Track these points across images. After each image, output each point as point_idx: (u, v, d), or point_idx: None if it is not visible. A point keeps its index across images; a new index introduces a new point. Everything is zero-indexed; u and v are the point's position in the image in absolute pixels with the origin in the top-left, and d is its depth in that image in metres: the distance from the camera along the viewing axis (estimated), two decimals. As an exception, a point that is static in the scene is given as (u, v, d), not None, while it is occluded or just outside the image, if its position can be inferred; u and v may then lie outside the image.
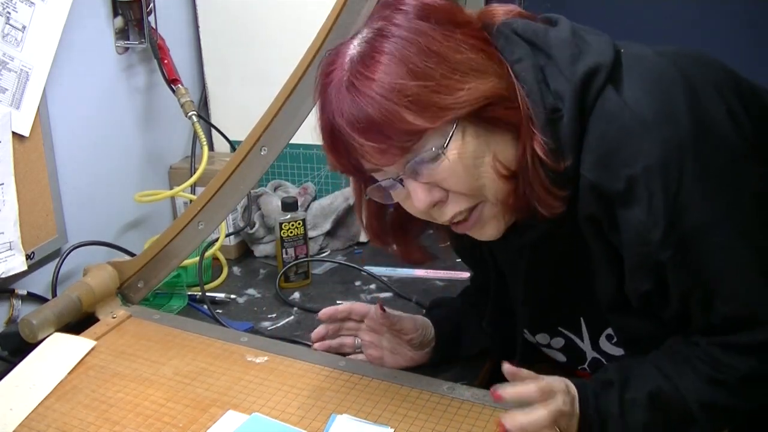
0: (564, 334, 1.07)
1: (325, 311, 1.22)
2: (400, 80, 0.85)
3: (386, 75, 0.86)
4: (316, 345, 1.22)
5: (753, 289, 0.88)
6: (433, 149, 0.87)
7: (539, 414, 0.88)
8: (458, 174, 0.89)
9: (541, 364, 1.13)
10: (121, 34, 1.66)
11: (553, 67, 0.90)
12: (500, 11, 0.95)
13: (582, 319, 1.04)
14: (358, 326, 1.22)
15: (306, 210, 1.76)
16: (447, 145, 0.87)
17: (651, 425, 0.92)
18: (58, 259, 1.47)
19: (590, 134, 0.88)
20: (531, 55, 0.91)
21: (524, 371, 0.93)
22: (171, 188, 1.79)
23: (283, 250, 1.62)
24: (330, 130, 0.92)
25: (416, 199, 0.91)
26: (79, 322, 1.35)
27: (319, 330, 1.23)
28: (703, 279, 0.88)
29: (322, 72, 0.93)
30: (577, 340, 1.06)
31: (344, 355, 1.23)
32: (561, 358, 1.11)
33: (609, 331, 1.02)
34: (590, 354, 1.06)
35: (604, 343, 1.04)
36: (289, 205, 1.62)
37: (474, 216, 0.93)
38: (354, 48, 0.90)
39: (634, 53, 0.91)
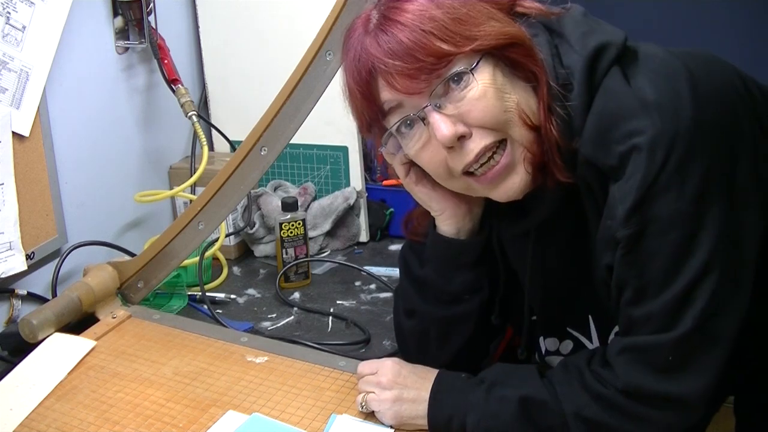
0: (573, 336, 1.07)
1: None
2: (429, 10, 0.90)
3: (416, 6, 0.90)
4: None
5: (677, 304, 0.86)
6: (461, 68, 0.89)
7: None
8: (485, 103, 0.90)
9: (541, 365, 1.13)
10: (121, 34, 1.66)
11: (565, 44, 0.93)
12: None
13: (590, 317, 1.04)
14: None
15: (306, 210, 1.76)
16: (474, 67, 0.89)
17: (518, 426, 0.95)
18: (58, 259, 1.48)
19: (592, 110, 0.89)
20: (546, 33, 0.94)
21: None
22: (171, 188, 1.79)
23: (283, 250, 1.62)
24: (357, 69, 0.93)
25: (439, 129, 0.91)
26: (79, 322, 1.35)
27: None
28: (644, 272, 0.87)
29: (348, 29, 0.97)
30: (586, 342, 1.06)
31: None
32: None
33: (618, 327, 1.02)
34: None
35: None
36: (289, 205, 1.62)
37: (504, 160, 0.92)
38: (380, 2, 0.95)
39: (645, 51, 0.92)
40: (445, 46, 0.89)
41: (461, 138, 0.91)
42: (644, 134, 0.84)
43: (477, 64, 0.89)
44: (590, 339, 1.06)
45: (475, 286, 1.08)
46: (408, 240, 1.14)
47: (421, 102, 0.91)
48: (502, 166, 0.92)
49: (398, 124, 0.94)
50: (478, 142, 0.91)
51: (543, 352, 1.10)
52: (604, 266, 0.92)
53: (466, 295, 1.08)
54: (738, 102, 0.90)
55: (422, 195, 1.05)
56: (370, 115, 0.96)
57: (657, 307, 0.87)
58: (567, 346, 1.08)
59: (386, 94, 0.93)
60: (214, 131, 1.85)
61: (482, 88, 0.89)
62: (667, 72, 0.88)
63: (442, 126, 0.90)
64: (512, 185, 0.94)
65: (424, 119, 0.92)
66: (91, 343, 1.27)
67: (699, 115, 0.85)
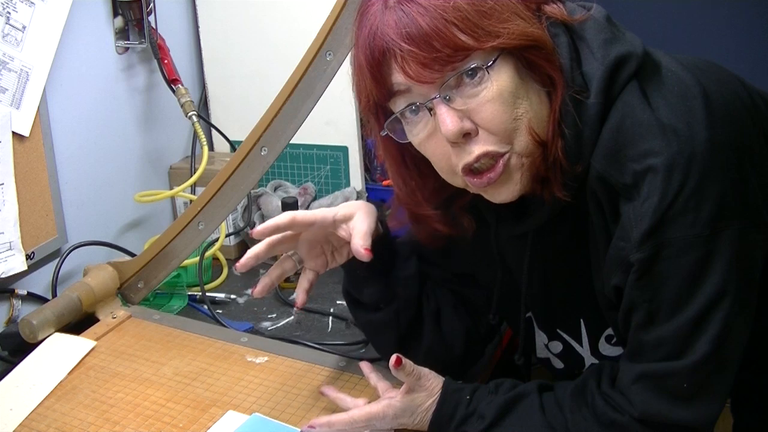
0: (562, 338, 1.07)
1: (259, 229, 1.07)
2: None
3: None
4: (255, 292, 1.11)
5: (691, 329, 0.85)
6: (476, 64, 0.86)
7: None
8: (497, 106, 0.87)
9: (538, 366, 1.13)
10: (121, 34, 1.66)
11: (586, 49, 0.91)
12: None
13: (582, 320, 1.04)
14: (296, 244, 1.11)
15: (306, 210, 1.76)
16: (491, 66, 0.86)
17: None
18: (58, 259, 1.48)
19: (607, 124, 0.88)
20: (566, 34, 0.91)
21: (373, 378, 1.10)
22: (171, 188, 1.79)
23: (283, 250, 1.62)
24: (370, 48, 0.89)
25: (445, 124, 0.88)
26: (79, 322, 1.35)
27: (248, 259, 1.08)
28: (657, 296, 0.86)
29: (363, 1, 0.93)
30: (576, 346, 1.06)
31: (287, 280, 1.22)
32: (559, 364, 1.10)
33: (609, 331, 1.02)
34: (589, 360, 1.06)
35: (603, 345, 1.03)
36: (289, 205, 1.62)
37: (500, 165, 0.90)
38: None
39: (661, 64, 0.91)
40: (465, 39, 0.85)
41: (466, 135, 0.89)
42: (660, 155, 0.83)
43: (494, 61, 0.86)
44: (580, 342, 1.05)
45: (385, 296, 1.12)
46: None
47: (431, 92, 0.88)
48: (497, 173, 0.90)
49: (404, 109, 0.91)
50: (481, 146, 0.89)
51: (543, 344, 1.11)
52: (612, 286, 0.91)
53: (381, 304, 1.12)
54: (745, 116, 0.89)
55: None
56: (377, 95, 0.92)
57: (669, 332, 0.86)
58: (556, 346, 1.08)
59: (397, 77, 0.90)
60: (214, 131, 1.85)
61: (496, 89, 0.87)
62: (682, 90, 0.87)
63: (448, 120, 0.87)
64: (505, 192, 0.92)
65: (431, 109, 0.90)
66: (91, 343, 1.27)
67: (714, 137, 0.84)
